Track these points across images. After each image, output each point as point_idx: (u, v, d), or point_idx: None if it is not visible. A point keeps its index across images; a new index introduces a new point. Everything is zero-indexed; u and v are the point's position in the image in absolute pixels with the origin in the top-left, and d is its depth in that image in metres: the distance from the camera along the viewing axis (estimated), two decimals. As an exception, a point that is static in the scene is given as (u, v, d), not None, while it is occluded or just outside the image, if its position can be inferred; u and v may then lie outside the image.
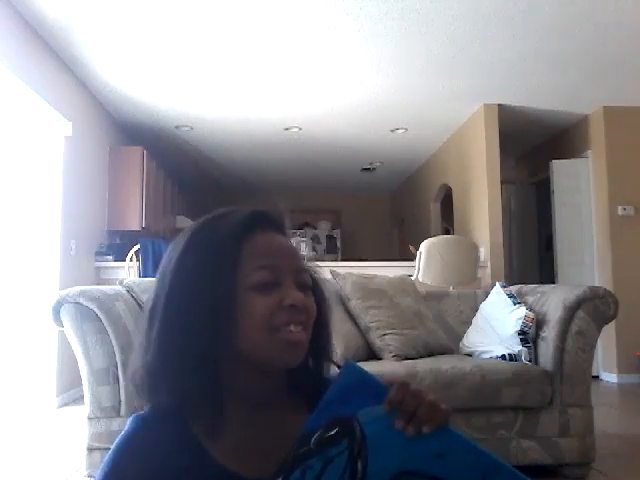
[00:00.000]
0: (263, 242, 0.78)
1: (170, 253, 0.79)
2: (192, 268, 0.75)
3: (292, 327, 0.73)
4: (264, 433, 0.76)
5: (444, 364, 2.31)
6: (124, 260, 4.45)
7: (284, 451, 0.67)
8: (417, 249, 4.37)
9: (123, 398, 2.04)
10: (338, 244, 9.14)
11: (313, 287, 0.82)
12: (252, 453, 0.75)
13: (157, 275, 0.79)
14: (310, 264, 0.85)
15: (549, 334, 2.36)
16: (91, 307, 2.04)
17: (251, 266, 0.75)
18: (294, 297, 0.74)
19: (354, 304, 2.63)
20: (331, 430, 0.66)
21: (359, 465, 0.63)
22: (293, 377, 0.80)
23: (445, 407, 0.67)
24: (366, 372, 0.71)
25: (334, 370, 0.79)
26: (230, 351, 0.75)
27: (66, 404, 3.99)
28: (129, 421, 0.76)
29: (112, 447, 0.74)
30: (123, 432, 0.76)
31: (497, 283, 2.83)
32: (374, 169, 7.56)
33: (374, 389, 0.68)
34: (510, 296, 2.62)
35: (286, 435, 0.71)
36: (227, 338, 0.74)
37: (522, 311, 2.46)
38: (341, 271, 2.81)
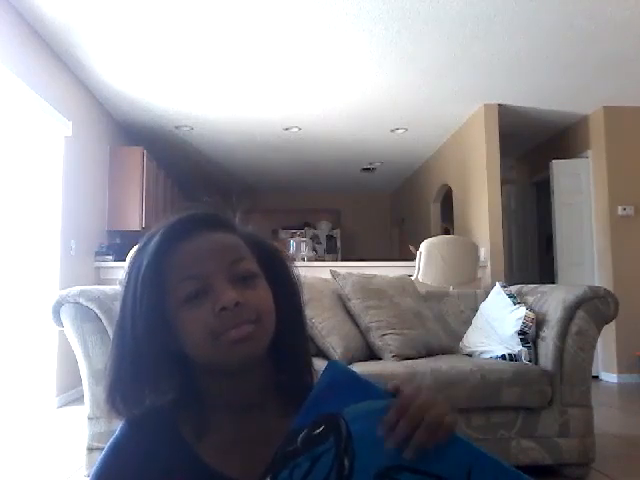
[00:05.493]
0: (182, 252, 0.74)
1: (123, 277, 0.79)
2: (131, 299, 0.75)
3: (233, 332, 0.71)
4: (250, 434, 0.76)
5: (444, 364, 2.31)
6: (124, 260, 4.45)
7: (271, 450, 0.67)
8: (417, 249, 4.37)
9: (123, 398, 2.04)
10: (338, 244, 9.14)
11: (271, 269, 0.79)
12: (239, 453, 0.75)
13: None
14: (265, 239, 0.82)
15: (549, 334, 2.36)
16: (91, 307, 2.04)
17: (174, 282, 0.73)
18: (224, 299, 0.70)
19: (354, 304, 2.63)
20: (317, 428, 0.66)
21: (346, 462, 0.64)
22: (276, 373, 0.80)
23: (450, 420, 0.63)
24: (350, 370, 0.71)
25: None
26: (192, 364, 0.76)
27: (66, 404, 3.99)
28: (118, 427, 0.77)
29: (101, 454, 0.76)
30: (113, 437, 0.77)
31: (497, 283, 2.83)
32: (374, 169, 7.56)
33: (359, 386, 0.69)
34: (510, 296, 2.62)
35: (273, 435, 0.71)
36: (182, 355, 0.75)
37: (522, 311, 2.46)
38: (341, 271, 2.81)
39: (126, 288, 0.76)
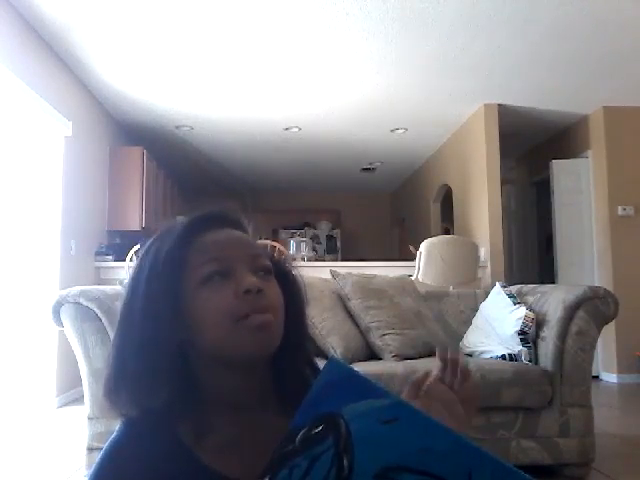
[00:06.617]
0: (209, 239, 0.77)
1: (132, 268, 0.80)
2: (145, 282, 0.75)
3: (256, 317, 0.72)
4: (249, 433, 0.76)
5: (444, 364, 2.31)
6: (124, 260, 4.45)
7: (270, 450, 0.67)
8: (417, 249, 4.37)
9: (123, 398, 2.04)
10: (338, 244, 9.14)
11: (281, 275, 0.81)
12: (238, 453, 0.75)
13: (124, 287, 0.80)
14: (282, 255, 0.86)
15: (549, 334, 2.36)
16: (91, 307, 2.04)
17: (197, 263, 0.75)
18: (247, 282, 0.73)
19: (354, 304, 2.63)
20: (316, 427, 0.66)
21: (345, 462, 0.63)
22: (276, 371, 0.80)
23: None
24: (350, 368, 0.70)
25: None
26: (199, 353, 0.75)
27: (66, 404, 3.99)
28: (116, 429, 0.76)
29: (99, 456, 0.74)
30: (110, 440, 0.75)
31: (497, 283, 2.83)
32: (374, 169, 7.56)
33: (359, 385, 0.68)
34: (510, 296, 2.62)
35: (272, 434, 0.71)
36: (193, 343, 0.74)
37: (522, 311, 2.46)
38: (341, 271, 2.81)
39: (137, 274, 0.76)
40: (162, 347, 0.73)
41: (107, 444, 0.75)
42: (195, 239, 0.77)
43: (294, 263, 0.87)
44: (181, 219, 0.80)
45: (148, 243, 0.79)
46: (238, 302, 0.72)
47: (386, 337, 2.52)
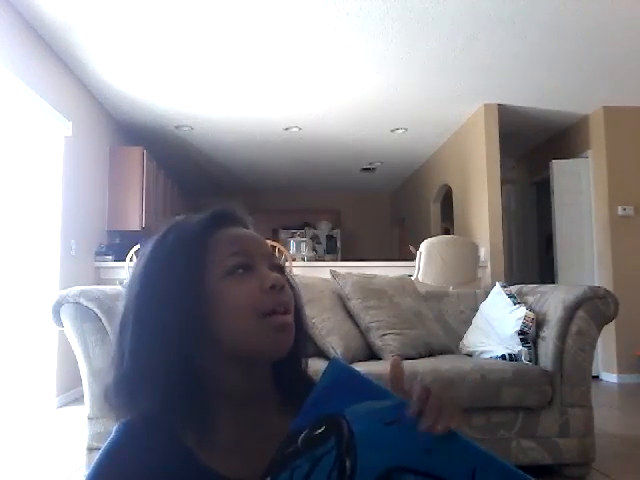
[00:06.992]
0: (229, 233, 0.79)
1: (137, 262, 0.79)
2: (159, 272, 0.74)
3: (280, 311, 0.73)
4: (250, 433, 0.75)
5: (444, 364, 2.31)
6: (124, 260, 4.45)
7: (271, 450, 0.66)
8: (417, 249, 4.37)
9: (123, 398, 2.04)
10: (338, 244, 9.14)
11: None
12: (239, 453, 0.74)
13: (125, 287, 0.78)
14: (281, 255, 0.86)
15: (549, 334, 2.36)
16: (91, 307, 2.04)
17: (221, 255, 0.75)
18: (273, 278, 0.74)
19: (354, 304, 2.63)
20: (318, 429, 0.65)
21: (347, 463, 0.62)
22: (276, 371, 0.79)
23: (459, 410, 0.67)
24: (353, 369, 0.70)
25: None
26: (211, 348, 0.73)
27: (66, 404, 3.99)
28: (114, 429, 0.75)
29: (97, 456, 0.73)
30: (108, 440, 0.74)
31: (497, 283, 2.83)
32: (374, 169, 7.56)
33: (361, 386, 0.67)
34: (510, 296, 2.62)
35: (272, 434, 0.70)
36: (207, 334, 0.73)
37: (522, 311, 2.46)
38: (341, 271, 2.81)
39: (147, 269, 0.76)
40: (174, 342, 0.71)
41: (105, 444, 0.74)
42: (211, 233, 0.77)
43: (287, 264, 0.88)
44: (190, 215, 0.81)
45: (155, 240, 0.78)
46: (263, 296, 0.73)
47: (386, 337, 2.52)
